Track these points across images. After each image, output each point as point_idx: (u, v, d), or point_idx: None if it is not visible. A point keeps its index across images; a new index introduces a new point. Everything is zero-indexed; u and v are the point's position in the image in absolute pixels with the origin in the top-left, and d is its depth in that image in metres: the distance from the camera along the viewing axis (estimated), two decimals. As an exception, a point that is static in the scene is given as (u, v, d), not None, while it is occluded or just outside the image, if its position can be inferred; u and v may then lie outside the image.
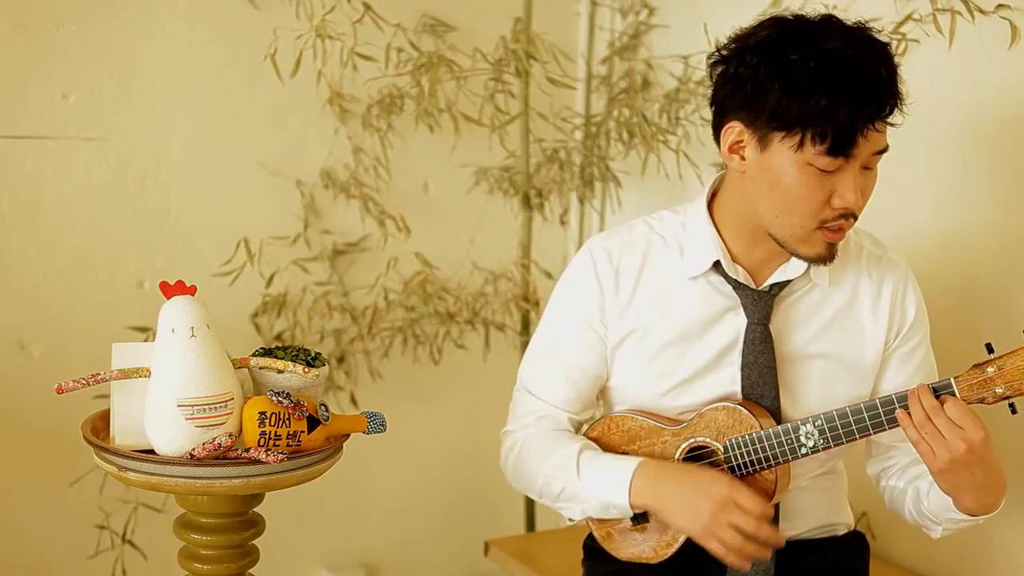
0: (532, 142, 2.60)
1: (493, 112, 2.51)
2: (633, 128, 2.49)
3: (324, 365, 1.48)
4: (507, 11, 2.53)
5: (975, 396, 1.47)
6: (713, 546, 1.53)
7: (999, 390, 1.46)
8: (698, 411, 1.65)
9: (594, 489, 1.63)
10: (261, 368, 1.46)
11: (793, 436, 1.57)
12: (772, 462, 1.59)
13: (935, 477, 1.51)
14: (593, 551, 1.80)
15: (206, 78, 2.37)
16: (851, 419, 1.54)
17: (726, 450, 1.61)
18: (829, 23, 1.50)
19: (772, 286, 1.64)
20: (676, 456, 1.65)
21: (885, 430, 1.53)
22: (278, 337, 2.46)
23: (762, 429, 1.59)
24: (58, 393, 1.40)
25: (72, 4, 2.22)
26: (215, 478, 1.37)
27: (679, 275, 1.67)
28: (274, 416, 1.40)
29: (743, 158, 1.55)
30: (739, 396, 1.65)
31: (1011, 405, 1.48)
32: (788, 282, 1.64)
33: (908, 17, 1.98)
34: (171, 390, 1.38)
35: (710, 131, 1.63)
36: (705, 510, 1.52)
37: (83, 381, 1.40)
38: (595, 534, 1.75)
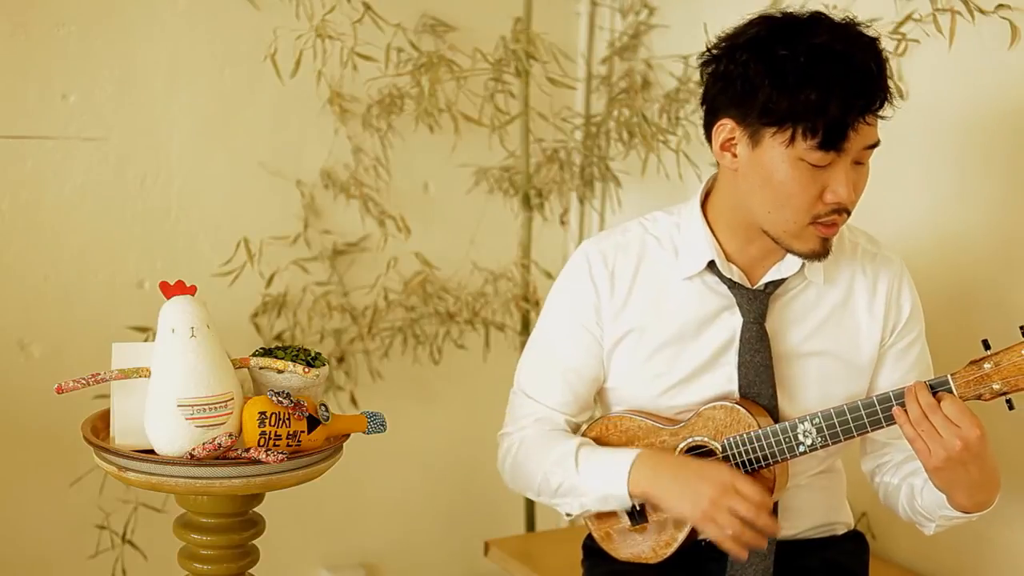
0: (532, 142, 2.60)
1: (493, 112, 2.51)
2: (633, 128, 2.49)
3: (324, 365, 1.48)
4: (507, 11, 2.53)
5: (972, 392, 1.47)
6: (711, 530, 1.54)
7: (996, 386, 1.46)
8: (696, 411, 1.65)
9: (593, 482, 1.63)
10: (261, 368, 1.46)
11: (791, 434, 1.58)
12: (770, 460, 1.59)
13: (930, 474, 1.51)
14: (593, 551, 1.80)
15: (206, 78, 2.37)
16: (848, 416, 1.54)
17: (724, 449, 1.62)
18: (817, 19, 1.51)
19: (767, 284, 1.64)
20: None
21: (883, 427, 1.53)
22: (278, 337, 2.46)
23: (760, 428, 1.59)
24: (58, 393, 1.40)
25: (72, 4, 2.23)
26: (215, 478, 1.37)
27: (674, 275, 1.67)
28: (274, 416, 1.40)
29: (735, 155, 1.56)
30: (736, 395, 1.65)
31: (1008, 401, 1.48)
32: (783, 280, 1.64)
33: (908, 17, 1.98)
34: (171, 390, 1.38)
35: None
36: (705, 494, 1.52)
37: (83, 381, 1.40)
38: (594, 534, 1.75)
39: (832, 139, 1.47)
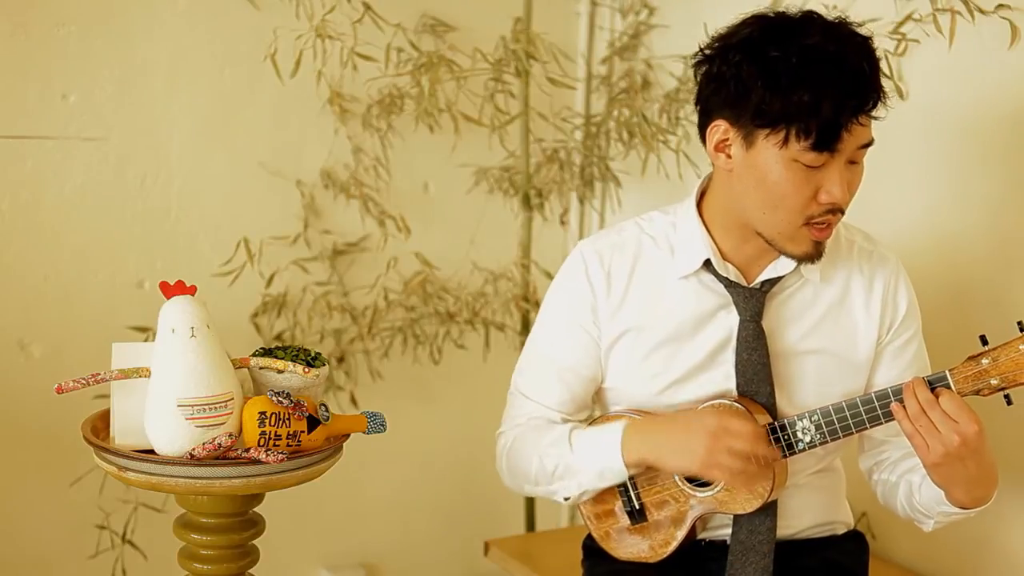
0: (532, 142, 2.60)
1: (493, 112, 2.51)
2: (633, 128, 2.49)
3: (324, 365, 1.48)
4: (507, 11, 2.53)
5: (970, 388, 1.48)
6: (716, 475, 1.55)
7: (994, 381, 1.46)
8: (694, 409, 1.65)
9: (587, 458, 1.63)
10: (261, 368, 1.46)
11: (790, 432, 1.58)
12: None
13: (928, 470, 1.52)
14: (592, 551, 1.80)
15: (206, 78, 2.37)
16: (847, 413, 1.55)
17: (724, 448, 1.62)
18: (810, 19, 1.51)
19: (763, 283, 1.64)
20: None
21: (881, 424, 1.54)
22: (278, 337, 2.46)
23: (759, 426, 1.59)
24: (58, 393, 1.40)
25: (72, 4, 2.23)
26: (215, 478, 1.37)
27: (670, 275, 1.67)
28: (274, 416, 1.40)
29: (729, 156, 1.56)
30: (734, 393, 1.65)
31: (1006, 396, 1.48)
32: (779, 279, 1.65)
33: (908, 17, 1.98)
34: (171, 390, 1.38)
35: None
36: (700, 443, 1.53)
37: (83, 381, 1.40)
38: (593, 534, 1.75)
39: (825, 140, 1.47)
